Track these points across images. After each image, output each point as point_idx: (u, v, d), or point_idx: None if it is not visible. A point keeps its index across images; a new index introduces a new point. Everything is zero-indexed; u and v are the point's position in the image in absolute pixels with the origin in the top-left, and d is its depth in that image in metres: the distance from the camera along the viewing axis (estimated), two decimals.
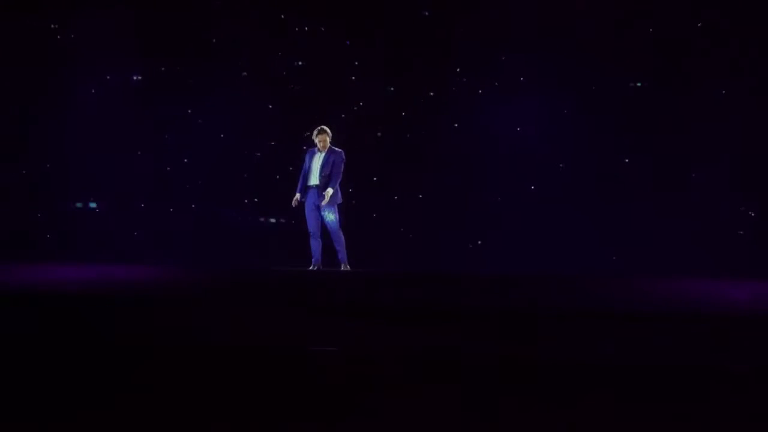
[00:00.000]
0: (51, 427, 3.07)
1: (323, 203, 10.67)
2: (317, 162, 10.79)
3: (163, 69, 13.33)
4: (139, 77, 13.35)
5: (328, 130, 10.90)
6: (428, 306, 6.11)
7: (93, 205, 13.52)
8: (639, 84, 12.61)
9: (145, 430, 3.07)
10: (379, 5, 12.89)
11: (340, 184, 10.80)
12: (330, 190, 10.69)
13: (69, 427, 3.07)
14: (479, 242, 13.08)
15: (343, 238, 10.69)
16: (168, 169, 13.47)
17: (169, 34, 13.04)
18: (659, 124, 12.65)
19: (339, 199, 10.77)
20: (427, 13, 12.95)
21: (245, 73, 13.29)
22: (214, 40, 13.28)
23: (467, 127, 13.18)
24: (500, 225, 12.94)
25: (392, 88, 13.15)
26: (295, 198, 10.85)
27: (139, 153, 13.34)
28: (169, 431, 3.06)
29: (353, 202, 10.98)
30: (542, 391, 3.59)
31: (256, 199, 13.53)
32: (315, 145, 10.94)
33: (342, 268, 10.62)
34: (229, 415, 3.23)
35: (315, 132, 10.95)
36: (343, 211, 10.88)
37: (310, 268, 10.68)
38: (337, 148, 10.83)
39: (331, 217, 10.68)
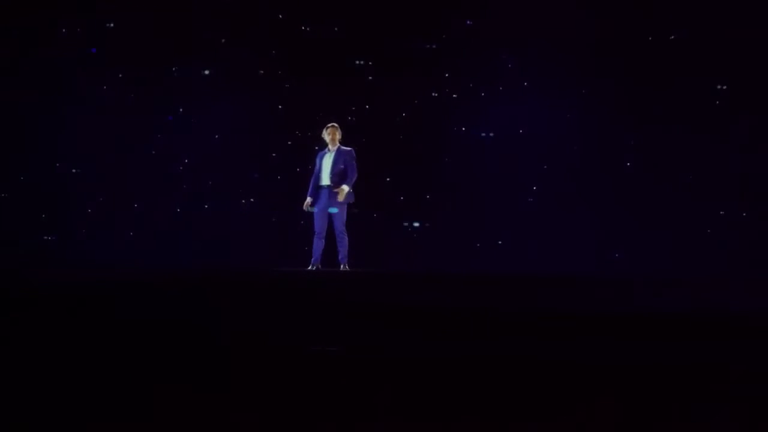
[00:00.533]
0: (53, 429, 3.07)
1: (338, 199, 10.65)
2: (328, 161, 10.77)
3: (174, 69, 13.34)
4: (143, 75, 13.37)
5: (337, 126, 10.92)
6: (428, 307, 6.10)
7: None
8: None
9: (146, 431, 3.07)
10: (391, 7, 12.89)
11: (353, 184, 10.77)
12: (345, 187, 10.67)
13: (69, 430, 3.07)
14: (480, 243, 13.09)
15: (347, 239, 10.67)
16: (180, 168, 13.49)
17: (175, 33, 13.05)
18: (659, 123, 12.69)
19: (351, 199, 10.76)
20: (470, 22, 12.94)
21: (262, 71, 13.29)
22: (223, 40, 13.28)
23: (471, 127, 13.19)
24: (503, 225, 12.96)
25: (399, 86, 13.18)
26: (306, 202, 10.82)
27: (153, 153, 13.37)
28: None
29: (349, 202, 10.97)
30: (543, 391, 3.58)
31: (252, 199, 13.53)
32: (325, 146, 10.92)
33: (341, 269, 10.62)
34: (226, 415, 3.23)
35: (325, 129, 10.93)
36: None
37: (309, 267, 10.68)
38: (346, 147, 10.83)
39: (338, 215, 10.65)
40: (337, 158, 10.77)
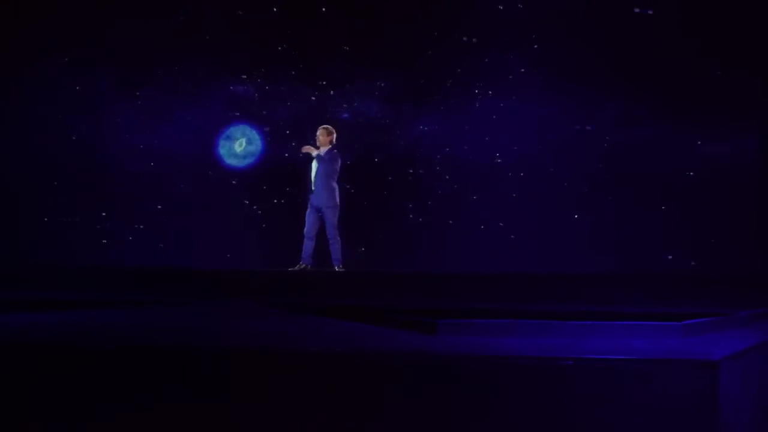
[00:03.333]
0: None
1: (311, 151, 10.48)
2: (314, 165, 10.71)
3: (176, 67, 13.25)
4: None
5: (329, 128, 10.80)
6: (425, 306, 6.10)
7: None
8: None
9: None
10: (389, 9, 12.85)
11: (339, 187, 10.71)
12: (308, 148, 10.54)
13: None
14: (477, 243, 13.09)
15: (339, 241, 10.64)
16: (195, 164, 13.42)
17: (178, 30, 12.96)
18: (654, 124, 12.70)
19: (336, 201, 10.66)
20: (476, 40, 12.83)
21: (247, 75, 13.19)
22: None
23: (467, 128, 13.19)
24: (498, 226, 12.97)
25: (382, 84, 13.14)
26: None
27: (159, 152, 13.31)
28: None
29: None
30: (539, 391, 3.58)
31: (248, 201, 13.48)
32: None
33: (336, 269, 10.61)
34: (226, 416, 3.22)
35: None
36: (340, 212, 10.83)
37: (295, 267, 10.62)
38: (334, 150, 10.72)
39: (328, 218, 10.63)
40: (322, 160, 10.65)
